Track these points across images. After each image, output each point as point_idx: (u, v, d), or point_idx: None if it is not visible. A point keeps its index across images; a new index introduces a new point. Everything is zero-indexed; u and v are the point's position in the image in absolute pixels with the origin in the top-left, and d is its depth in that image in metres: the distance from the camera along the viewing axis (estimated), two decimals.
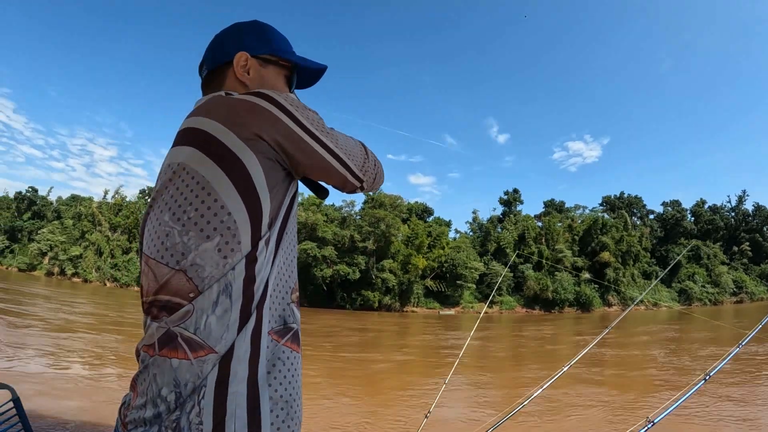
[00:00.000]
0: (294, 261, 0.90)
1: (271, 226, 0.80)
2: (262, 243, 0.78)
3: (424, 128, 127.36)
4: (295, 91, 1.09)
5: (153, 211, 0.83)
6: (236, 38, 0.97)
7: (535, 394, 2.86)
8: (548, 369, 11.59)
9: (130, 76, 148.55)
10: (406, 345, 18.98)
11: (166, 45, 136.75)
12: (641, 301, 46.68)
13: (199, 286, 0.75)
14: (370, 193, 53.43)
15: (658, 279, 48.57)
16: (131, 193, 77.68)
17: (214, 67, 0.97)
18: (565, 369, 2.92)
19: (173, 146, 0.86)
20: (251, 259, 0.77)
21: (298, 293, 0.91)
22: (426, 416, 3.07)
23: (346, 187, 0.94)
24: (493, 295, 45.87)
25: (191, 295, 0.75)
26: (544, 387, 2.90)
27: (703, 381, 2.26)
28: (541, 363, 13.99)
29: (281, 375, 0.81)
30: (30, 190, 65.06)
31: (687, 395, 2.20)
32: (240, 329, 0.76)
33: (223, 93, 0.86)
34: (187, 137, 0.82)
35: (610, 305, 45.70)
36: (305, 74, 1.07)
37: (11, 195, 67.96)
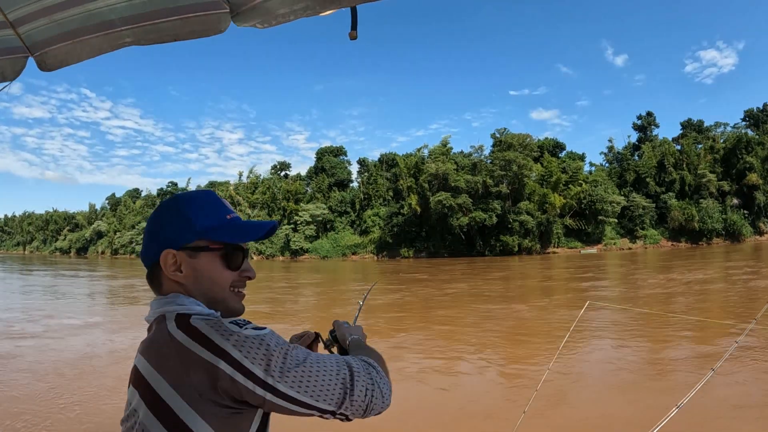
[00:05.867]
0: None
1: None
2: None
3: (536, 61, 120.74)
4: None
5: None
6: (157, 233, 0.91)
7: None
8: None
9: (243, 58, 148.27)
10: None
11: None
12: None
13: None
14: (497, 135, 50.76)
15: None
16: (264, 170, 79.53)
17: (148, 266, 0.94)
18: None
19: (135, 364, 0.86)
20: None
21: None
22: None
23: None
24: (635, 230, 46.15)
25: None
26: None
27: None
28: None
29: None
30: (170, 184, 70.21)
31: None
32: None
33: (167, 329, 0.83)
34: (137, 379, 0.83)
35: (761, 233, 45.48)
36: (250, 236, 0.95)
37: (154, 192, 74.05)
